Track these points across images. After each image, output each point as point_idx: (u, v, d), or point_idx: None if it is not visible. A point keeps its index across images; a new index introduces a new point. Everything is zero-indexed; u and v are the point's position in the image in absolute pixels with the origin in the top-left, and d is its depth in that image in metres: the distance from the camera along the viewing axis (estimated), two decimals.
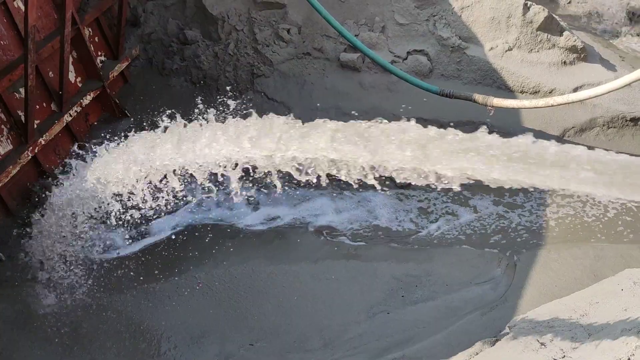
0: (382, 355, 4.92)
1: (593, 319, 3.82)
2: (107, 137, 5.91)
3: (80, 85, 6.65)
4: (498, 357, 3.75)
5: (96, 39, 6.86)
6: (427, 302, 5.35)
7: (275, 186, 5.10)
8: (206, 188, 5.53)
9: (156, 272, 5.66)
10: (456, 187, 4.77)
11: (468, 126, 6.86)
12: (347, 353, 4.94)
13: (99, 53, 6.94)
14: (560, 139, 6.75)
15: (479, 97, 6.42)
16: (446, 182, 4.73)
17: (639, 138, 6.82)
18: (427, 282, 5.53)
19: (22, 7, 5.53)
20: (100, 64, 6.85)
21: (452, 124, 6.80)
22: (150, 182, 5.16)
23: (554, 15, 7.17)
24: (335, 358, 4.90)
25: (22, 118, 5.68)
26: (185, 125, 5.23)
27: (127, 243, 5.84)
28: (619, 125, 6.80)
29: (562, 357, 3.42)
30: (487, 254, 5.75)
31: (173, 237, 6.03)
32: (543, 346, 3.59)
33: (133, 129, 6.01)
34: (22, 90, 5.67)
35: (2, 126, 5.62)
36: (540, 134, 6.73)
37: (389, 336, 5.09)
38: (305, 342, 5.08)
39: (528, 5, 7.00)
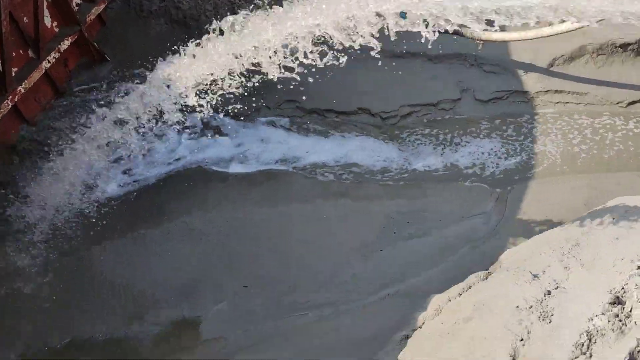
0: (375, 293, 4.96)
1: (585, 249, 3.83)
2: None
3: (56, 30, 6.42)
4: (491, 290, 3.76)
5: None
6: (419, 239, 5.37)
7: None
8: None
9: (145, 218, 5.60)
10: None
11: (456, 59, 6.79)
12: (340, 294, 4.97)
13: None
14: (549, 69, 6.67)
15: (466, 31, 6.29)
16: None
17: (629, 64, 6.74)
18: (418, 219, 5.53)
19: None
20: (76, 7, 6.61)
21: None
22: None
23: None
24: (330, 299, 4.92)
25: None
26: None
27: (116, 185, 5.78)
28: (608, 52, 6.72)
29: (555, 288, 3.43)
30: (478, 188, 5.75)
31: (161, 182, 5.95)
32: (536, 278, 3.60)
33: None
34: None
35: None
36: (530, 66, 6.65)
37: (382, 274, 5.11)
38: (300, 285, 5.09)
39: None
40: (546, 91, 6.55)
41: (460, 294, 4.14)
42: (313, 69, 6.61)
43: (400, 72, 6.76)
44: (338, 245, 5.35)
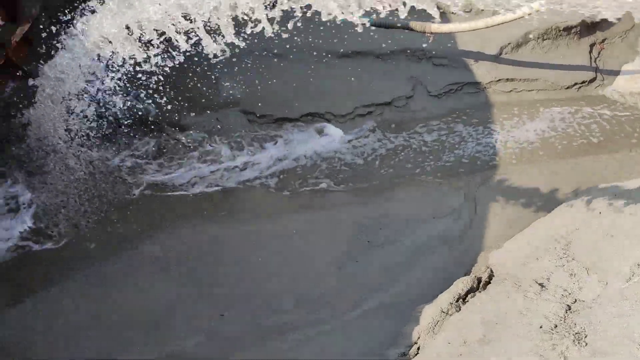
0: (356, 306, 4.79)
1: (580, 249, 3.76)
2: None
3: None
4: (497, 304, 3.64)
5: None
6: (393, 244, 5.22)
7: None
8: None
9: (102, 251, 5.24)
10: None
11: (404, 55, 6.69)
12: (322, 311, 4.76)
13: None
14: (498, 57, 6.65)
15: (416, 25, 6.15)
16: None
17: (574, 46, 6.79)
18: (389, 223, 5.39)
19: None
20: None
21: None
22: None
23: None
24: (311, 318, 4.72)
25: None
26: None
27: None
28: (553, 36, 6.74)
29: (574, 302, 3.33)
30: (444, 186, 5.66)
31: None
32: (543, 288, 3.50)
33: None
34: None
35: None
36: (479, 56, 6.60)
37: (360, 285, 4.94)
38: (277, 304, 4.86)
39: None
40: (497, 80, 6.53)
41: (452, 304, 4.02)
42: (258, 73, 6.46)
43: (350, 72, 6.60)
44: (311, 259, 5.15)
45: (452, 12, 6.83)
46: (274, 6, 4.42)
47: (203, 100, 6.32)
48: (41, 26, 6.43)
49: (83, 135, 5.74)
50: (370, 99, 6.45)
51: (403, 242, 5.24)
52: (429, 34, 6.19)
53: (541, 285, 3.56)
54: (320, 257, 5.17)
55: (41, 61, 5.88)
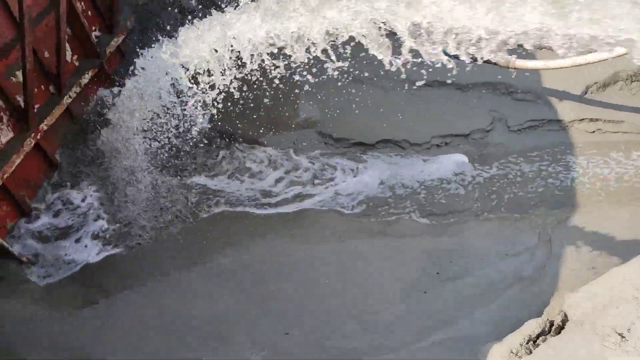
0: (422, 338, 4.74)
1: None
2: None
3: (76, 64, 6.22)
4: (573, 351, 3.53)
5: (89, 12, 6.39)
6: (463, 278, 5.16)
7: None
8: None
9: (176, 259, 5.39)
10: None
11: (485, 88, 6.63)
12: (385, 336, 4.75)
13: (93, 28, 6.48)
14: (583, 97, 6.51)
15: (500, 60, 6.10)
16: None
17: None
18: (460, 257, 5.33)
19: None
20: (95, 40, 6.41)
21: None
22: None
23: None
24: (376, 344, 4.71)
25: (21, 103, 5.29)
26: None
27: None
28: None
29: None
30: (519, 223, 5.56)
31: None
32: (623, 338, 3.39)
33: None
34: (18, 74, 5.26)
35: (2, 113, 5.23)
36: (563, 94, 6.49)
37: (427, 317, 4.90)
38: (342, 327, 4.88)
39: None
40: (581, 120, 6.39)
41: (522, 345, 3.92)
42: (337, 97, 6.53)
43: (430, 102, 6.60)
44: (379, 286, 5.14)
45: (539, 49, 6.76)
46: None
47: (281, 120, 6.43)
48: (134, 39, 6.71)
49: (162, 150, 5.91)
50: (448, 129, 6.42)
51: (473, 277, 5.17)
52: (512, 69, 6.13)
53: (621, 335, 3.44)
54: (388, 285, 5.16)
55: (129, 73, 6.12)
